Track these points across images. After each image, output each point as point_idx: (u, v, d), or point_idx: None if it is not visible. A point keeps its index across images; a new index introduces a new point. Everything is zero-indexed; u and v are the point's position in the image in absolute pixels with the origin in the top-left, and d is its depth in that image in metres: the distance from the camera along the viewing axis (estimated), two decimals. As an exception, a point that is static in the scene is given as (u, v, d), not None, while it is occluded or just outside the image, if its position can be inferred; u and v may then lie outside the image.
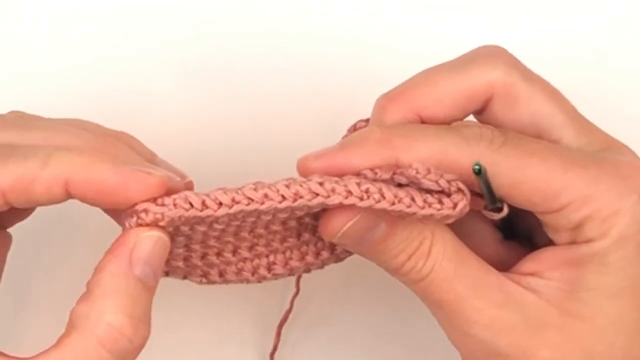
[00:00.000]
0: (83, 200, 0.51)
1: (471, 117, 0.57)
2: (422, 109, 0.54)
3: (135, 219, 0.50)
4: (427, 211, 0.51)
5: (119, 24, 0.69)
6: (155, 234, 0.50)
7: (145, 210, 0.50)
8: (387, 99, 0.55)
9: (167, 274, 0.55)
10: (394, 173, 0.52)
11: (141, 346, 0.50)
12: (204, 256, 0.54)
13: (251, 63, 0.69)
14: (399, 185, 0.52)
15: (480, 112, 0.56)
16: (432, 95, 0.54)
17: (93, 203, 0.51)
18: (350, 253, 0.57)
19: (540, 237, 0.56)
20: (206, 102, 0.68)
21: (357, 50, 0.70)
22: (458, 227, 0.57)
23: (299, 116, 0.69)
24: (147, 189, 0.50)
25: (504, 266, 0.55)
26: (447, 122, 0.55)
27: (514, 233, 0.58)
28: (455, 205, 0.51)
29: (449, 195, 0.51)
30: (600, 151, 0.55)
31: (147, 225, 0.50)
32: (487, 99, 0.55)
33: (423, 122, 0.55)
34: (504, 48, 0.55)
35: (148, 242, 0.50)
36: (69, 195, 0.51)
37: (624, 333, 0.53)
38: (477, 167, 0.50)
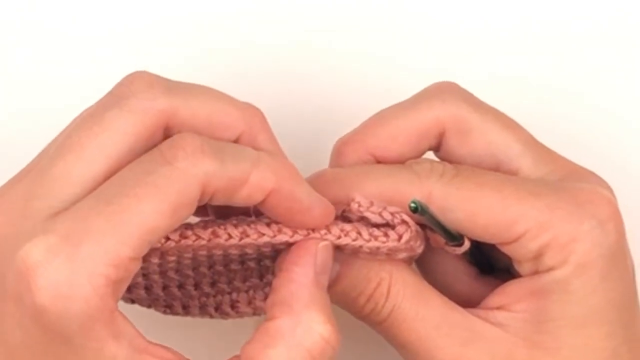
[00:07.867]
0: (267, 209, 0.50)
1: (432, 155, 0.56)
2: (376, 149, 0.54)
3: None
4: (374, 244, 0.51)
5: (117, 30, 0.70)
6: (327, 243, 0.51)
7: None
8: (341, 143, 0.55)
9: (132, 301, 0.55)
10: (344, 211, 0.52)
11: (337, 354, 0.50)
12: (165, 287, 0.55)
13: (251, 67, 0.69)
14: (349, 222, 0.52)
15: (437, 149, 0.56)
16: (383, 135, 0.54)
17: (273, 215, 0.50)
18: None
19: (517, 271, 0.54)
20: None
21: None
22: (430, 266, 0.56)
23: (300, 119, 0.69)
24: (323, 220, 0.51)
25: (480, 302, 0.54)
26: (402, 161, 0.54)
27: (494, 268, 0.57)
28: (400, 237, 0.51)
29: (394, 227, 0.51)
30: (560, 179, 0.54)
31: None
32: (440, 134, 0.55)
33: (378, 162, 0.55)
34: (456, 83, 0.55)
35: (325, 251, 0.51)
36: (261, 202, 0.50)
37: None
38: (412, 204, 0.48)
